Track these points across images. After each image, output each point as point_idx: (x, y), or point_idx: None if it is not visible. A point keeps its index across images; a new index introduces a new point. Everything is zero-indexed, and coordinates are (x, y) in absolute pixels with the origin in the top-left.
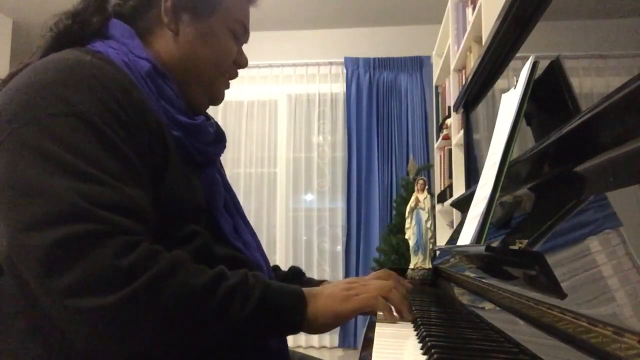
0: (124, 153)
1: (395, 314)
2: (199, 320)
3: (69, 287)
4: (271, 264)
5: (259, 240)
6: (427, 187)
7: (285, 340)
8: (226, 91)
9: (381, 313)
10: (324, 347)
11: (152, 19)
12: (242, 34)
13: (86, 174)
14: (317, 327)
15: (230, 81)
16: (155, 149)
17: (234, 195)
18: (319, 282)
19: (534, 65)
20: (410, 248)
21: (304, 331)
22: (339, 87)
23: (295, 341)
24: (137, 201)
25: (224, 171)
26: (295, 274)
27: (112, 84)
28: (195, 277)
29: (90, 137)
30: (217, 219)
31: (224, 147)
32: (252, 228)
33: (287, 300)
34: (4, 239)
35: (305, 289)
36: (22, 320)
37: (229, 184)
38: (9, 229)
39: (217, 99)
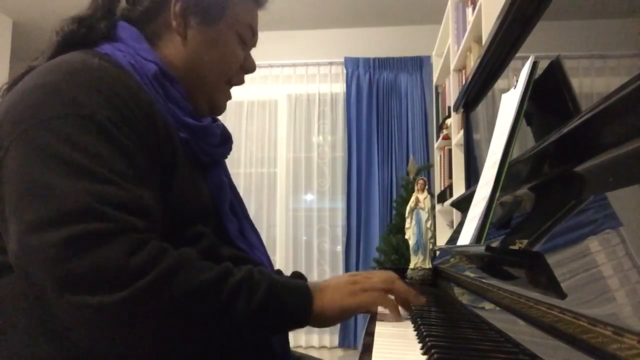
0: (132, 154)
1: (400, 309)
2: (205, 316)
3: (78, 284)
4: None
5: (263, 242)
6: (427, 187)
7: (288, 343)
8: None
9: (384, 313)
10: (324, 347)
11: (160, 23)
12: (250, 38)
13: (96, 175)
14: (323, 321)
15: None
16: (163, 150)
17: (240, 197)
18: None
19: (534, 65)
20: (410, 248)
21: (311, 325)
22: (339, 87)
23: (296, 341)
24: (146, 201)
25: (229, 173)
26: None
27: (119, 86)
28: (202, 273)
29: (99, 138)
30: (223, 221)
31: (230, 148)
32: (256, 230)
33: (293, 295)
34: (13, 239)
35: (310, 283)
36: (30, 318)
37: (234, 186)
38: (19, 228)
39: (218, 109)
